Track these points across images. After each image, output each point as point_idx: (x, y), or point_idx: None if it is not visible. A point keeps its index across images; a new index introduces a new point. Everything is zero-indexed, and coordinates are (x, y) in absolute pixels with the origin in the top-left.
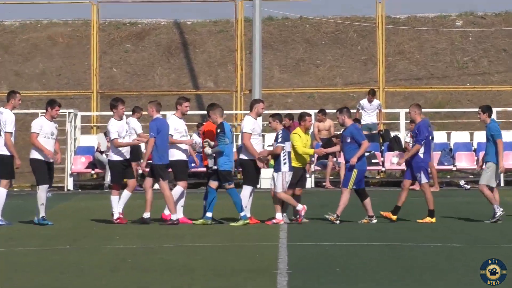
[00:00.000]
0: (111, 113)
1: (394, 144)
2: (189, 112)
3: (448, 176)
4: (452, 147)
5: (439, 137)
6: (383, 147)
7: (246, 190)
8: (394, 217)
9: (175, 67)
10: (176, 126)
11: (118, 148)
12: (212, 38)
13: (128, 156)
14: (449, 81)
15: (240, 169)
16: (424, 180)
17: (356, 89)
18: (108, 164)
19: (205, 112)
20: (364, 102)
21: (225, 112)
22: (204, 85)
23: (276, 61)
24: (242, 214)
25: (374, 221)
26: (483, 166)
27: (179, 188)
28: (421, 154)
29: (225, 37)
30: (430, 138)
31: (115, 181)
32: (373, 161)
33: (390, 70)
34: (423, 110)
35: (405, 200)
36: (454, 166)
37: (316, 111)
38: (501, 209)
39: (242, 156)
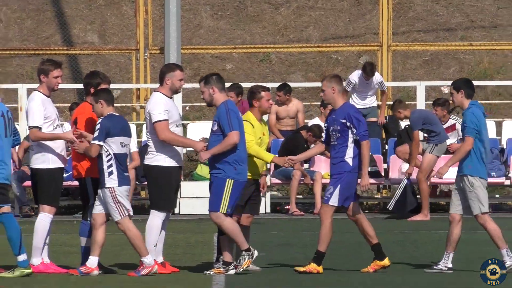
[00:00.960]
0: None
1: (407, 140)
2: (60, 86)
3: (498, 195)
4: (505, 147)
5: None
6: (387, 146)
7: (156, 218)
8: (385, 262)
9: (32, 8)
10: (47, 110)
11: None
12: None
13: None
14: (503, 33)
15: (146, 183)
16: (334, 201)
17: (342, 46)
18: None
19: (81, 86)
20: (356, 77)
21: (118, 85)
22: (82, 39)
23: None
24: (20, 258)
25: (232, 271)
26: (466, 183)
27: (45, 216)
28: (349, 159)
29: None
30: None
31: None
32: (370, 169)
33: (402, 15)
34: (450, 82)
35: (369, 231)
36: (508, 178)
37: (275, 85)
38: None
39: (150, 161)
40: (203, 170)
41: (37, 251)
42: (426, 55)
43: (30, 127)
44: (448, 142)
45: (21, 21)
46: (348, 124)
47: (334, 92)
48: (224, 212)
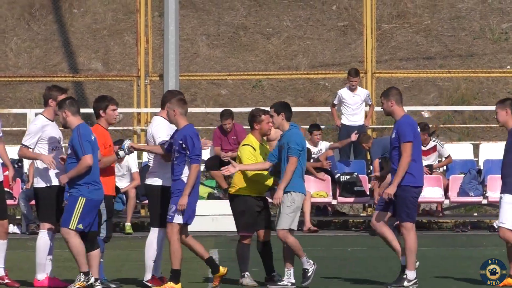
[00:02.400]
0: None
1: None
2: None
3: (476, 214)
4: (482, 168)
5: (461, 151)
6: (371, 167)
7: (155, 235)
8: (222, 272)
9: (41, 38)
10: (46, 133)
11: None
12: None
13: None
14: (478, 61)
15: (147, 201)
16: (178, 219)
17: (329, 74)
18: None
19: (90, 110)
20: (344, 92)
21: (120, 110)
22: (87, 67)
23: (203, 28)
24: None
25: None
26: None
27: (45, 233)
28: (185, 177)
29: None
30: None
31: None
32: (356, 188)
33: (385, 44)
34: (434, 107)
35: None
36: (485, 197)
37: (267, 109)
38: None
39: (150, 181)
40: (200, 189)
41: (41, 266)
42: (407, 81)
43: (22, 144)
44: (429, 162)
45: (30, 50)
46: (183, 145)
47: (176, 114)
48: (74, 229)
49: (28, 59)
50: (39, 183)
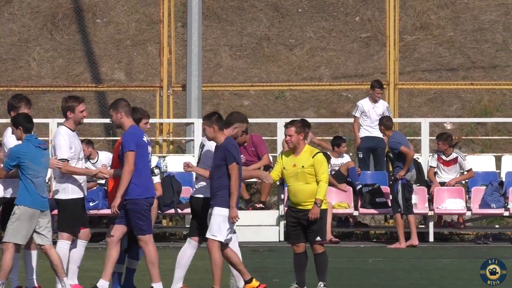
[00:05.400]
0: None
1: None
2: (86, 120)
3: (497, 226)
4: (504, 180)
5: (484, 163)
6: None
7: (189, 246)
8: None
9: (63, 48)
10: (72, 144)
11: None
12: (122, 1)
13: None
14: (501, 73)
15: (169, 211)
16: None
17: (352, 85)
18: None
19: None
20: (364, 103)
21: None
22: (110, 77)
23: (226, 39)
24: None
25: None
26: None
27: (64, 243)
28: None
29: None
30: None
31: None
32: (378, 200)
33: (408, 56)
34: (456, 119)
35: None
36: (507, 209)
37: (289, 120)
38: None
39: (199, 194)
40: None
41: (75, 273)
42: (430, 93)
43: (61, 160)
44: (450, 173)
45: (53, 60)
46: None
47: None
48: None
49: (50, 69)
50: (59, 194)
